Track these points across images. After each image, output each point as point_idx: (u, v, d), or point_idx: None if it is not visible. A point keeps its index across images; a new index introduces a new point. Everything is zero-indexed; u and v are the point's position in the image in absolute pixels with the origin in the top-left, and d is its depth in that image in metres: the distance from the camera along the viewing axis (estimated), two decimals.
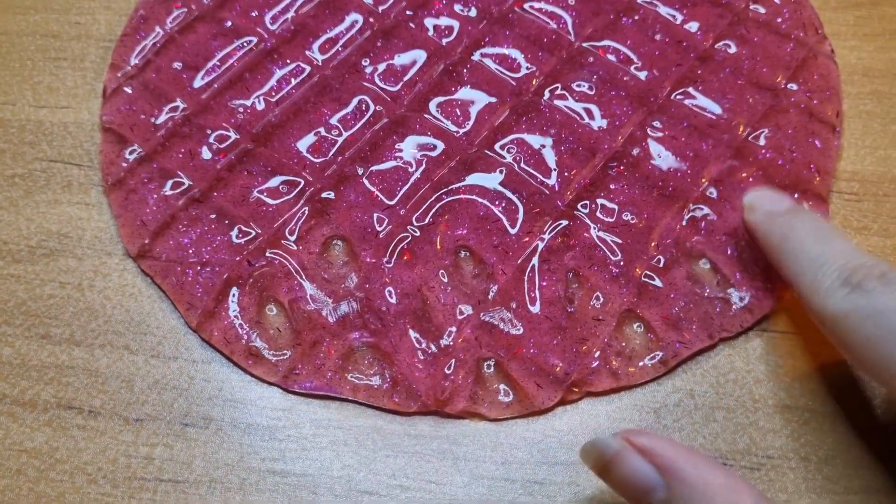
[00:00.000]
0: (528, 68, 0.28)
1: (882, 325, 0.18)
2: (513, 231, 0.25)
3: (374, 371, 0.23)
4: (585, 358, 0.23)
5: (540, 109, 0.27)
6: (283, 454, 0.23)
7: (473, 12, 0.30)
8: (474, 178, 0.26)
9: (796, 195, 0.25)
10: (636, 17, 0.29)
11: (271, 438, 0.23)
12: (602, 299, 0.24)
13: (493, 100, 0.28)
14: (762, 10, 0.30)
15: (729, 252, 0.25)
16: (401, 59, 0.29)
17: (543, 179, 0.26)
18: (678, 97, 0.28)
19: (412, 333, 0.24)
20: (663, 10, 0.30)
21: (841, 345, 0.20)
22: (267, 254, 0.25)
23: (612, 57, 0.28)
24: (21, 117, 0.29)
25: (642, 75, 0.28)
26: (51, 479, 0.22)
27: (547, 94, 0.28)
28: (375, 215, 0.26)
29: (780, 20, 0.29)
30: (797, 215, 0.23)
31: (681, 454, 0.18)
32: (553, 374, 0.23)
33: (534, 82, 0.28)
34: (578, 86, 0.28)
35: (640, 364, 0.23)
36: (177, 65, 0.29)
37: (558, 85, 0.28)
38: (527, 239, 0.25)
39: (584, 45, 0.29)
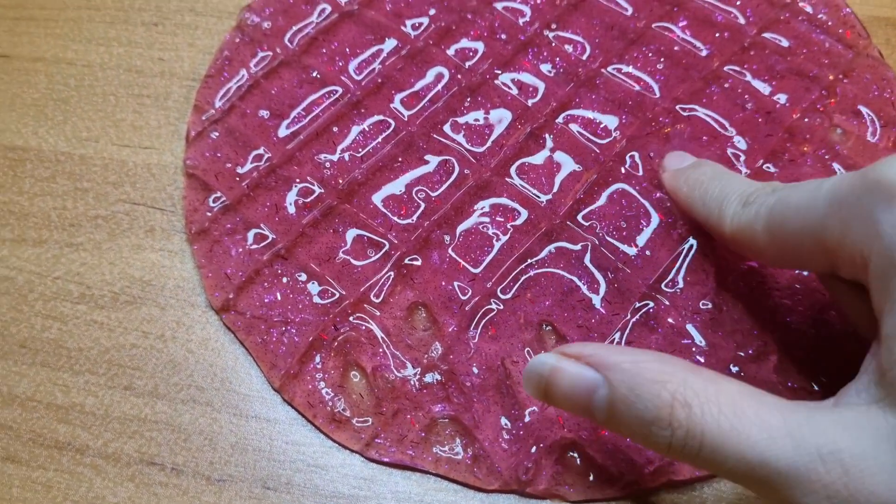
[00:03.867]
0: (611, 133, 0.28)
1: (777, 214, 0.20)
2: (597, 308, 0.25)
3: (455, 445, 0.23)
4: None
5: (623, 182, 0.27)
6: None
7: (560, 74, 0.29)
8: (558, 251, 0.26)
9: None
10: (726, 86, 0.29)
11: None
12: None
13: (578, 167, 0.28)
14: (847, 83, 0.29)
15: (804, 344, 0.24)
16: (487, 119, 0.29)
17: (626, 254, 0.26)
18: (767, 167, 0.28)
19: (495, 409, 0.24)
20: (752, 81, 0.29)
21: (753, 253, 0.22)
22: (352, 318, 0.25)
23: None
24: (104, 156, 0.29)
25: (738, 142, 0.28)
26: None
27: (628, 161, 0.28)
28: (458, 284, 0.26)
29: (870, 95, 0.29)
30: (698, 167, 0.25)
31: (612, 348, 0.19)
32: (635, 459, 0.23)
33: (616, 146, 0.28)
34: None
35: None
36: (263, 112, 0.29)
37: (637, 152, 0.28)
38: (611, 321, 0.25)
39: (675, 107, 0.28)
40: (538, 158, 0.28)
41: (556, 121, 0.28)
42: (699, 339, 0.24)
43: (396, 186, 0.27)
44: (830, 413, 0.17)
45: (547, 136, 0.28)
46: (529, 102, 0.29)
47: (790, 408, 0.17)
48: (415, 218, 0.27)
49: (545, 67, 0.30)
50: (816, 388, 0.24)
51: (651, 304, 0.25)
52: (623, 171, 0.27)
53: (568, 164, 0.28)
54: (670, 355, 0.19)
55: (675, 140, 0.28)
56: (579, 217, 0.27)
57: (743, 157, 0.28)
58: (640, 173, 0.27)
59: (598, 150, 0.28)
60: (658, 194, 0.27)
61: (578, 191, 0.27)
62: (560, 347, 0.20)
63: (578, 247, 0.26)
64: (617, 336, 0.24)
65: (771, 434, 0.16)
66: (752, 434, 0.16)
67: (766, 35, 0.30)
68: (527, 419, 0.23)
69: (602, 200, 0.27)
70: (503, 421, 0.24)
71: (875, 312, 0.18)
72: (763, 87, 0.29)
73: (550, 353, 0.20)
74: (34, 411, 0.25)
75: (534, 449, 0.23)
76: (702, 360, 0.24)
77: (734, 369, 0.24)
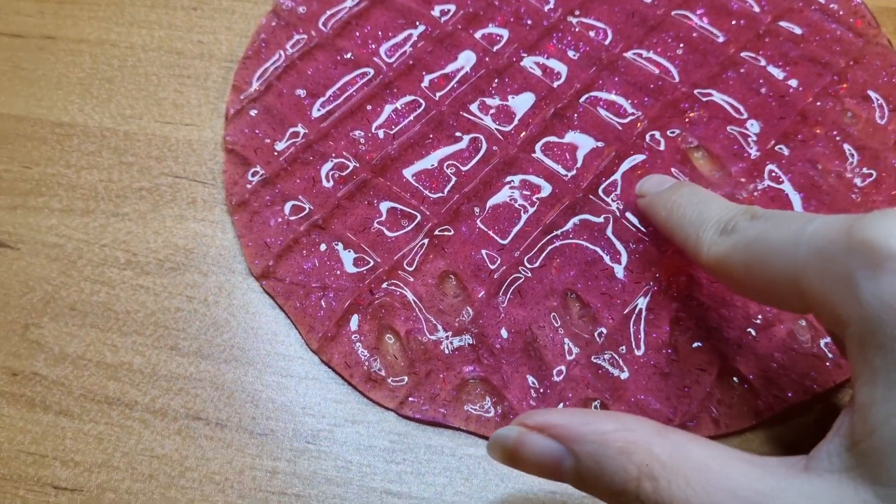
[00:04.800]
0: (633, 114, 0.30)
1: (756, 251, 0.19)
2: (619, 277, 0.26)
3: (485, 403, 0.25)
4: (688, 404, 0.24)
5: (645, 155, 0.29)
6: (400, 476, 0.24)
7: (583, 57, 0.31)
8: (581, 223, 0.27)
9: None
10: (741, 71, 0.30)
11: (389, 461, 0.24)
12: (702, 348, 0.25)
13: (600, 144, 0.29)
14: (857, 69, 0.31)
15: None
16: (513, 99, 0.30)
17: (645, 228, 0.27)
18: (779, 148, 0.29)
19: (523, 370, 0.25)
20: (766, 66, 0.31)
21: (730, 284, 0.21)
22: (385, 284, 0.26)
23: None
24: (147, 132, 0.30)
25: (751, 126, 0.29)
26: (181, 486, 0.24)
27: (648, 139, 0.29)
28: (486, 254, 0.27)
29: (879, 81, 0.30)
30: (677, 190, 0.24)
31: (575, 418, 0.18)
32: (656, 418, 0.24)
33: (638, 125, 0.29)
34: (690, 138, 0.29)
35: (739, 413, 0.25)
36: (299, 91, 0.30)
37: (657, 131, 0.29)
38: (633, 289, 0.26)
39: (694, 91, 0.30)
40: (562, 136, 0.29)
41: (580, 101, 0.30)
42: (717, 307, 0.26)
43: (428, 162, 0.29)
44: (800, 481, 0.16)
45: (571, 115, 0.29)
46: (554, 84, 0.30)
47: (759, 476, 0.16)
48: (445, 191, 0.28)
49: (569, 51, 0.31)
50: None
51: (669, 276, 0.26)
52: (644, 146, 0.29)
53: (590, 142, 0.29)
54: (638, 418, 0.18)
55: (698, 125, 0.29)
56: (600, 191, 0.28)
57: (755, 140, 0.29)
58: (662, 148, 0.28)
59: (619, 129, 0.29)
60: (675, 169, 0.28)
61: (600, 166, 0.28)
62: (521, 417, 0.19)
63: (601, 219, 0.27)
64: (640, 301, 0.26)
65: None
66: None
67: (781, 23, 0.32)
68: (554, 378, 0.25)
69: (622, 175, 0.28)
70: (530, 381, 0.25)
71: (852, 375, 0.17)
72: (777, 73, 0.31)
73: (513, 425, 0.19)
74: (85, 369, 0.26)
75: (560, 406, 0.24)
76: (717, 321, 0.25)
77: (750, 332, 0.25)
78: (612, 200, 0.28)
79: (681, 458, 0.17)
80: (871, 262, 0.16)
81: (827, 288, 0.17)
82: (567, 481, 0.18)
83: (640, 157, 0.28)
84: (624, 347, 0.25)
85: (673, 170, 0.28)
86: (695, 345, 0.25)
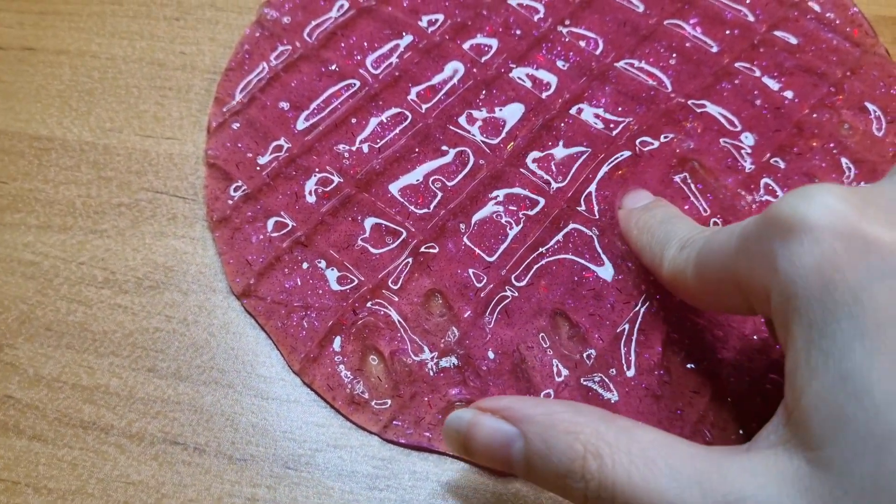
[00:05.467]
0: (623, 122, 0.29)
1: (702, 258, 0.20)
2: (607, 297, 0.26)
3: None
4: (681, 428, 0.24)
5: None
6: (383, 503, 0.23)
7: (573, 68, 0.30)
8: (569, 238, 0.27)
9: None
10: (736, 82, 0.30)
11: (372, 487, 0.24)
12: (695, 369, 0.25)
13: (589, 155, 0.28)
14: (854, 79, 0.30)
15: None
16: (501, 111, 0.29)
17: None
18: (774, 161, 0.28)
19: (510, 392, 0.24)
20: (761, 77, 0.30)
21: (687, 297, 0.22)
22: (369, 303, 0.26)
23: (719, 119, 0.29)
24: (127, 145, 0.30)
25: (745, 138, 0.28)
26: None
27: (638, 143, 0.28)
28: (473, 272, 0.26)
29: (877, 92, 0.30)
30: (650, 209, 0.25)
31: (527, 402, 0.19)
32: None
33: (629, 130, 0.29)
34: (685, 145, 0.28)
35: (733, 437, 0.24)
36: (283, 104, 0.29)
37: (649, 136, 0.28)
38: (623, 308, 0.25)
39: (687, 102, 0.29)
40: (551, 148, 0.28)
41: (569, 112, 0.29)
42: (710, 327, 0.25)
43: (413, 176, 0.28)
44: (742, 458, 0.16)
45: (559, 126, 0.29)
46: (543, 95, 0.30)
47: (702, 455, 0.17)
48: (431, 207, 0.27)
49: (558, 62, 0.30)
50: None
51: (659, 296, 0.25)
52: (636, 149, 0.28)
53: (579, 152, 0.28)
54: (587, 405, 0.19)
55: (692, 136, 0.28)
56: (588, 201, 0.27)
57: (749, 153, 0.28)
58: (655, 150, 0.28)
59: (610, 139, 0.29)
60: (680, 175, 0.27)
61: (588, 175, 0.28)
62: (477, 402, 0.20)
63: (589, 232, 0.27)
64: (626, 327, 0.25)
65: (680, 484, 0.16)
66: (662, 484, 0.16)
67: (776, 33, 0.31)
68: None
69: (610, 178, 0.28)
70: None
71: (782, 347, 0.18)
72: (772, 84, 0.30)
73: (468, 408, 0.20)
74: (60, 392, 0.25)
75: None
76: (710, 338, 0.25)
77: (745, 352, 0.24)
78: (599, 212, 0.27)
79: (626, 439, 0.17)
80: (784, 231, 0.16)
81: (752, 268, 0.17)
82: (517, 469, 0.19)
83: (626, 153, 0.28)
84: (614, 370, 0.24)
85: (677, 178, 0.27)
86: (688, 366, 0.25)
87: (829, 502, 0.14)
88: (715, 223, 0.27)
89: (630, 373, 0.24)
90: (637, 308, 0.25)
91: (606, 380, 0.24)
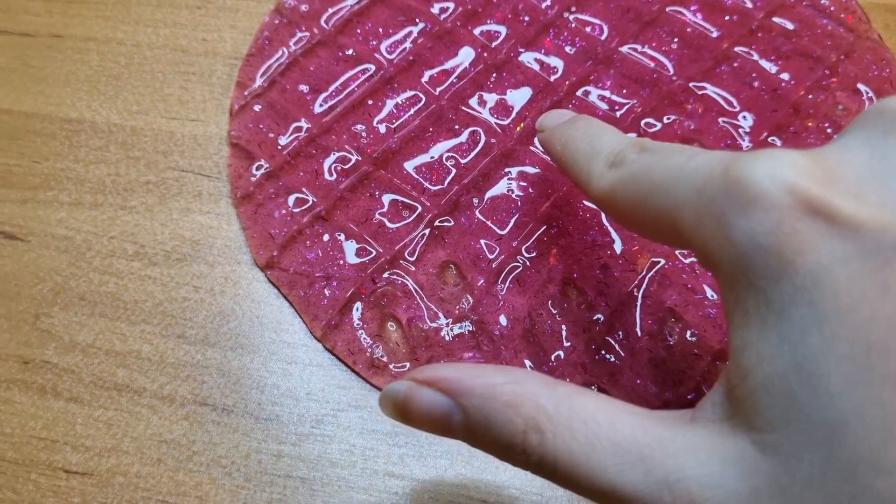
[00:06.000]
0: (628, 103, 0.30)
1: (640, 185, 0.18)
2: (612, 268, 0.27)
3: None
4: (683, 388, 0.25)
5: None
6: (402, 459, 0.25)
7: (579, 52, 0.31)
8: (578, 212, 0.28)
9: None
10: (735, 65, 0.31)
11: (392, 444, 0.25)
12: (697, 338, 0.26)
13: None
14: (848, 63, 0.31)
15: None
16: (511, 94, 0.31)
17: None
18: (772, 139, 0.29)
19: (521, 356, 0.26)
20: (759, 61, 0.31)
21: (617, 219, 0.20)
22: (387, 273, 0.27)
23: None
24: (154, 127, 0.31)
25: (744, 119, 0.30)
26: (189, 470, 0.25)
27: (642, 124, 0.30)
28: (485, 243, 0.28)
29: (870, 74, 0.31)
30: (573, 123, 0.23)
31: (464, 372, 0.18)
32: (652, 402, 0.25)
33: (634, 112, 0.30)
34: (682, 123, 0.30)
35: None
36: (302, 87, 0.31)
37: (653, 118, 0.30)
38: (629, 276, 0.27)
39: (689, 84, 0.30)
40: None
41: (576, 94, 0.30)
42: (711, 294, 0.26)
43: (428, 154, 0.29)
44: (685, 432, 0.16)
45: (567, 107, 0.30)
46: (551, 78, 0.31)
47: (645, 428, 0.16)
48: (445, 183, 0.29)
49: (566, 47, 0.32)
50: None
51: (664, 262, 0.27)
52: (640, 131, 0.29)
53: None
54: (529, 372, 0.18)
55: (693, 117, 0.30)
56: None
57: (747, 132, 0.30)
58: (657, 131, 0.29)
59: (615, 118, 0.30)
60: None
61: None
62: (412, 372, 0.19)
63: (596, 207, 0.28)
64: (636, 288, 0.26)
65: (622, 459, 0.16)
66: (603, 460, 0.16)
67: (773, 19, 0.32)
68: (552, 363, 0.25)
69: None
70: (529, 366, 0.26)
71: (725, 317, 0.17)
72: (769, 67, 0.31)
73: (403, 380, 0.19)
74: (94, 357, 0.26)
75: None
76: (712, 312, 0.26)
77: None
78: None
79: (567, 410, 0.16)
80: (744, 199, 0.15)
81: (701, 227, 0.16)
82: (458, 437, 0.18)
83: (631, 135, 0.29)
84: (621, 333, 0.26)
85: None
86: (691, 330, 0.26)
87: (773, 488, 0.14)
88: None
89: (635, 336, 0.26)
90: (642, 274, 0.27)
91: (613, 342, 0.26)
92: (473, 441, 0.18)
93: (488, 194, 0.28)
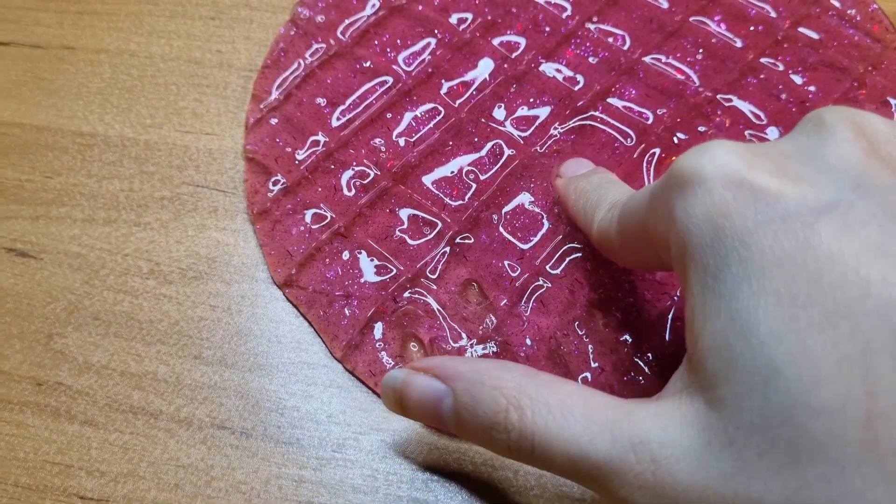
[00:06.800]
0: (656, 114, 0.30)
1: (623, 215, 0.21)
2: (645, 291, 0.26)
3: None
4: None
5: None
6: (427, 484, 0.24)
7: (602, 63, 0.31)
8: None
9: None
10: (761, 77, 0.30)
11: (416, 469, 0.24)
12: None
13: (629, 142, 0.29)
14: (876, 74, 0.31)
15: None
16: (532, 105, 0.30)
17: None
18: None
19: None
20: (786, 72, 0.31)
21: (612, 256, 0.23)
22: (408, 292, 0.26)
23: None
24: (168, 141, 0.30)
25: (770, 132, 0.29)
26: (207, 496, 0.24)
27: (675, 138, 0.29)
28: (507, 262, 0.27)
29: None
30: (588, 177, 0.26)
31: (456, 360, 0.20)
32: None
33: (663, 122, 0.29)
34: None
35: None
36: (320, 100, 0.30)
37: (682, 131, 0.29)
38: (658, 298, 0.26)
39: (716, 96, 0.30)
40: (583, 139, 0.29)
41: (600, 104, 0.30)
42: None
43: (448, 169, 0.29)
44: (650, 405, 0.17)
45: (592, 118, 0.29)
46: (574, 88, 0.30)
47: (616, 404, 0.17)
48: (466, 198, 0.28)
49: (587, 57, 0.31)
50: None
51: None
52: (674, 141, 0.29)
53: (612, 142, 0.29)
54: (514, 363, 0.20)
55: (720, 129, 0.29)
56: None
57: None
58: (688, 141, 0.29)
59: (643, 127, 0.29)
60: None
61: (622, 165, 0.28)
62: (411, 363, 0.21)
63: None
64: (666, 309, 0.26)
65: (592, 430, 0.17)
66: (576, 431, 0.17)
67: (799, 29, 0.32)
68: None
69: (656, 174, 0.28)
70: None
71: (684, 298, 0.18)
72: (796, 79, 0.31)
73: (401, 368, 0.21)
74: (109, 378, 0.26)
75: None
76: None
77: None
78: None
79: (547, 391, 0.18)
80: (681, 184, 0.17)
81: (657, 222, 0.18)
82: (448, 423, 0.20)
83: (656, 150, 0.29)
84: (651, 355, 0.25)
85: None
86: None
87: (722, 438, 0.15)
88: None
89: (666, 358, 0.25)
90: (672, 294, 0.26)
91: (641, 363, 0.25)
92: (461, 424, 0.19)
93: (508, 210, 0.28)
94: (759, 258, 0.15)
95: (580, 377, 0.25)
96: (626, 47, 0.31)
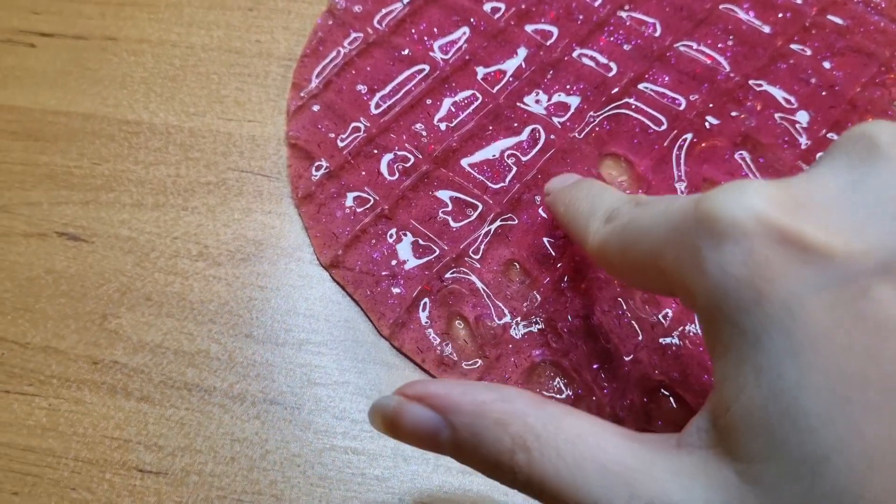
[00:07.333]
0: (689, 99, 0.30)
1: (628, 234, 0.19)
2: None
3: (557, 385, 0.25)
4: None
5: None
6: None
7: (634, 50, 0.32)
8: None
9: None
10: (791, 62, 0.31)
11: None
12: None
13: (662, 128, 0.30)
14: None
15: None
16: (568, 91, 0.31)
17: None
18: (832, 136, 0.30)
19: (591, 353, 0.26)
20: (814, 57, 0.31)
21: (611, 271, 0.21)
22: (453, 271, 0.27)
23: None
24: (212, 128, 0.31)
25: (800, 116, 0.30)
26: (263, 468, 0.25)
27: (707, 121, 0.30)
28: (548, 241, 0.28)
29: None
30: (576, 185, 0.24)
31: (452, 388, 0.18)
32: None
33: (696, 107, 0.30)
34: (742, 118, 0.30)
35: None
36: (360, 87, 0.31)
37: (714, 116, 0.30)
38: None
39: (748, 82, 0.31)
40: (618, 123, 0.30)
41: (634, 90, 0.31)
42: None
43: (489, 152, 0.29)
44: (670, 457, 0.16)
45: (627, 103, 0.30)
46: (608, 75, 0.31)
47: (632, 450, 0.16)
48: (507, 181, 0.29)
49: (621, 44, 0.32)
50: None
51: None
52: (706, 126, 0.29)
53: (647, 126, 0.30)
54: (518, 390, 0.18)
55: (752, 114, 0.30)
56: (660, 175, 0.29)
57: (804, 128, 0.30)
58: (719, 127, 0.29)
59: (675, 115, 0.30)
60: (740, 153, 0.29)
61: (656, 148, 0.29)
62: (402, 387, 0.19)
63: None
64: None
65: (608, 481, 0.16)
66: (589, 481, 0.16)
67: (826, 16, 0.32)
68: (624, 360, 0.25)
69: (686, 159, 0.29)
70: (599, 364, 0.26)
71: (707, 350, 0.17)
72: (825, 64, 0.31)
73: (393, 394, 0.19)
74: (163, 357, 0.27)
75: (629, 389, 0.25)
76: None
77: None
78: (678, 183, 0.28)
79: (555, 430, 0.16)
80: (714, 232, 0.15)
81: (679, 263, 0.16)
82: (446, 453, 0.18)
83: (689, 134, 0.29)
84: (691, 328, 0.26)
85: (737, 155, 0.29)
86: None
87: None
88: None
89: None
90: None
91: (682, 338, 0.26)
92: (461, 457, 0.18)
93: None
94: (805, 330, 0.14)
95: (623, 352, 0.26)
96: (657, 35, 0.32)
